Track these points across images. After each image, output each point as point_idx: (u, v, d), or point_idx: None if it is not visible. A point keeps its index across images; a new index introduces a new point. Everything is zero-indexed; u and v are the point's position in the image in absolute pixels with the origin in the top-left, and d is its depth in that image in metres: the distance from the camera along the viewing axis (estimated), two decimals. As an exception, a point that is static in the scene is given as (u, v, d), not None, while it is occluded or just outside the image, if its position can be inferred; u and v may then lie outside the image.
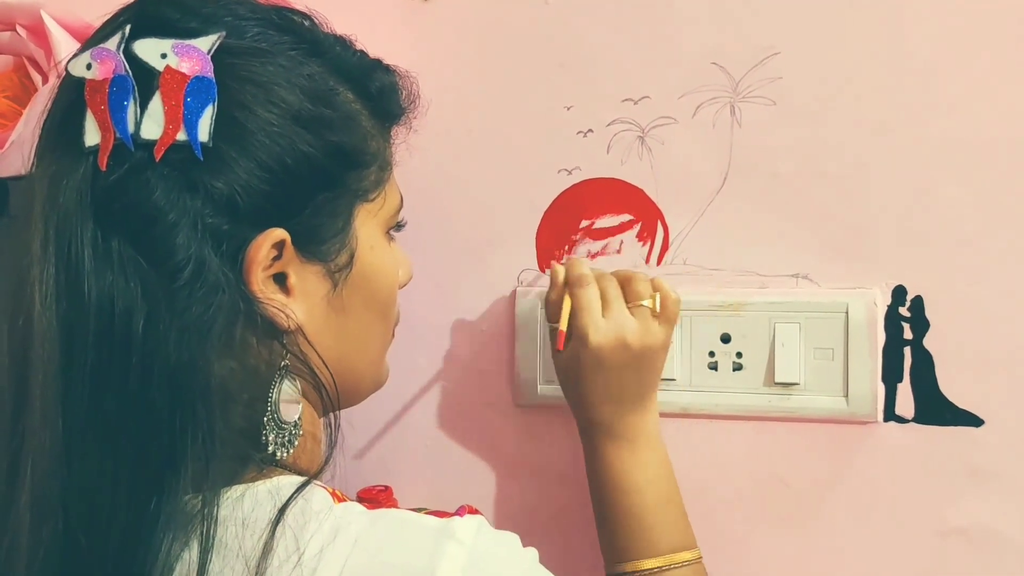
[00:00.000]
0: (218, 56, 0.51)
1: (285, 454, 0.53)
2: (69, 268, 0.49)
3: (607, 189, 0.79)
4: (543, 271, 0.81)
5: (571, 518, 0.80)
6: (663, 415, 0.77)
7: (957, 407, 0.71)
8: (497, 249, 0.82)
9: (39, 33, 0.78)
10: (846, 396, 0.72)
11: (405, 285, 0.65)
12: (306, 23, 0.57)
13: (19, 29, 0.79)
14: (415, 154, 0.75)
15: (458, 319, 0.83)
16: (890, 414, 0.72)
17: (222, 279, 0.50)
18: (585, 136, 0.79)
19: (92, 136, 0.50)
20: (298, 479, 0.51)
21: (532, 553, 0.53)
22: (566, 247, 0.80)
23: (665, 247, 0.77)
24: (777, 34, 0.74)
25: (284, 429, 0.53)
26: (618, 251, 0.79)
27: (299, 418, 0.54)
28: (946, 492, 0.71)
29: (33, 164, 0.53)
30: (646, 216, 0.78)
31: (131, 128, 0.50)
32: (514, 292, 0.81)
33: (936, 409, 0.71)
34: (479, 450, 0.83)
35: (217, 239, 0.50)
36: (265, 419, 0.52)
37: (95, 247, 0.49)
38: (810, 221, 0.74)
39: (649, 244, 0.78)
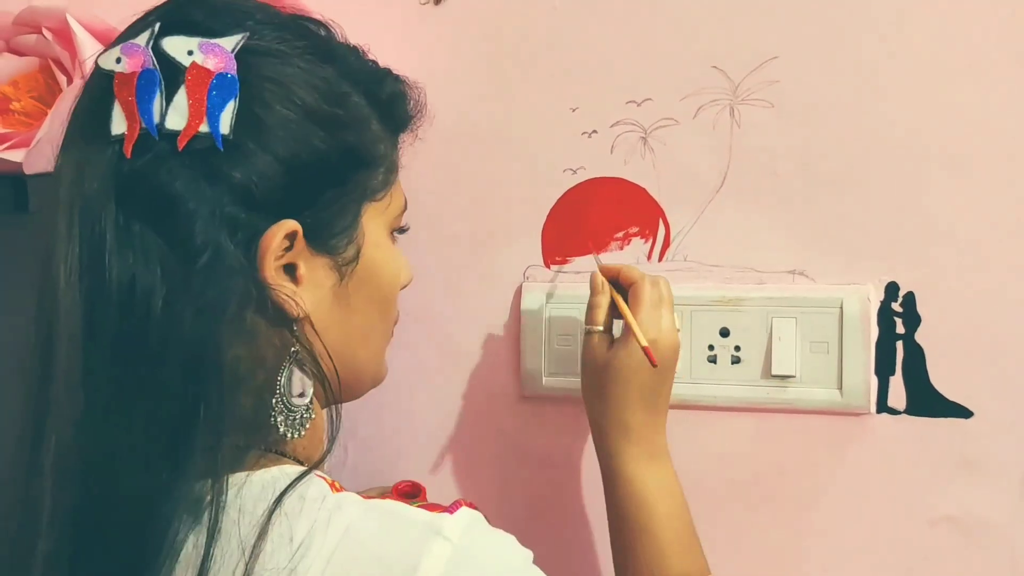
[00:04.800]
0: (241, 55, 0.54)
1: (296, 435, 0.55)
2: (92, 249, 0.51)
3: (611, 188, 0.81)
4: (548, 267, 0.83)
5: (575, 507, 0.83)
6: (663, 406, 0.80)
7: (947, 399, 0.73)
8: (504, 246, 0.84)
9: (64, 36, 0.81)
10: (840, 388, 0.75)
11: (405, 287, 0.67)
12: (322, 32, 0.61)
13: (45, 32, 0.82)
14: (425, 154, 0.78)
15: (465, 313, 0.86)
16: (883, 406, 0.75)
17: (237, 265, 0.52)
18: (590, 137, 0.82)
19: (119, 125, 0.53)
20: (297, 468, 0.53)
21: (525, 554, 0.53)
22: (570, 244, 0.83)
23: (666, 244, 0.80)
24: (775, 39, 0.76)
25: (294, 412, 0.55)
26: (621, 248, 0.81)
27: (310, 402, 0.56)
28: (936, 481, 0.73)
29: (60, 151, 0.56)
30: (648, 214, 0.81)
31: (156, 119, 0.52)
32: (520, 287, 0.84)
33: (927, 401, 0.74)
34: (486, 440, 0.86)
35: (233, 227, 0.53)
36: (274, 401, 0.54)
37: (118, 230, 0.51)
38: (806, 219, 0.76)
39: (651, 241, 0.81)
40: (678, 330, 0.72)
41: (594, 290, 0.74)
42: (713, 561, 0.78)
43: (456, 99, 0.84)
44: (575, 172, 0.82)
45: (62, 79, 0.82)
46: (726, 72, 0.78)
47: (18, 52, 0.85)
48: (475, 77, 0.85)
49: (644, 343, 0.68)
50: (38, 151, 0.78)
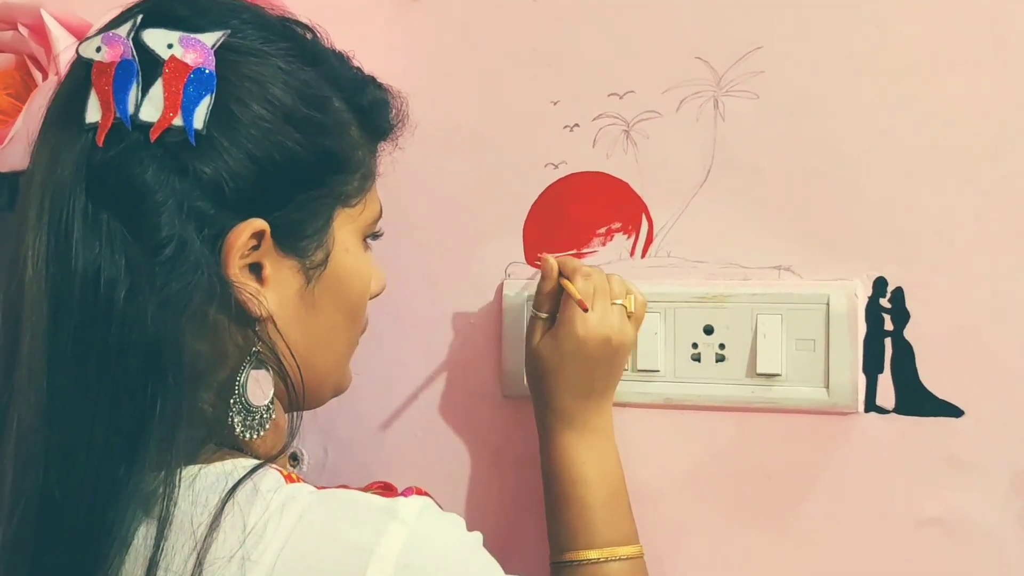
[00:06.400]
0: (221, 52, 0.54)
1: (255, 436, 0.55)
2: (60, 237, 0.51)
3: (593, 183, 0.80)
4: (530, 264, 0.82)
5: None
6: (646, 406, 0.78)
7: (937, 398, 0.71)
8: (485, 243, 0.83)
9: (40, 32, 0.80)
10: (827, 387, 0.73)
11: (377, 295, 0.67)
12: (307, 35, 0.61)
13: (20, 28, 0.81)
14: (403, 149, 0.76)
15: (447, 312, 0.84)
16: (871, 405, 0.73)
17: (201, 260, 0.52)
18: (571, 130, 0.80)
19: (93, 114, 0.53)
20: (251, 462, 0.53)
21: (475, 536, 0.55)
22: (552, 240, 0.81)
23: (649, 240, 0.78)
24: (759, 29, 0.74)
25: (253, 413, 0.55)
26: (603, 244, 0.80)
27: (270, 403, 0.56)
28: (925, 481, 0.71)
29: (37, 138, 0.56)
30: (631, 209, 0.79)
31: (131, 109, 0.52)
32: (502, 284, 0.82)
33: (916, 400, 0.71)
34: (467, 440, 0.85)
35: (200, 222, 0.53)
36: (232, 401, 0.54)
37: (86, 218, 0.51)
38: (792, 214, 0.74)
39: (634, 237, 0.79)
40: (628, 318, 0.73)
41: (544, 273, 0.74)
42: (696, 563, 0.77)
43: (435, 93, 0.83)
44: (557, 167, 0.81)
45: (38, 75, 0.82)
46: (709, 63, 0.76)
47: (-6, 49, 0.84)
48: (454, 71, 0.83)
49: (578, 297, 0.70)
50: (11, 148, 0.78)
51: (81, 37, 0.80)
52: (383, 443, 0.86)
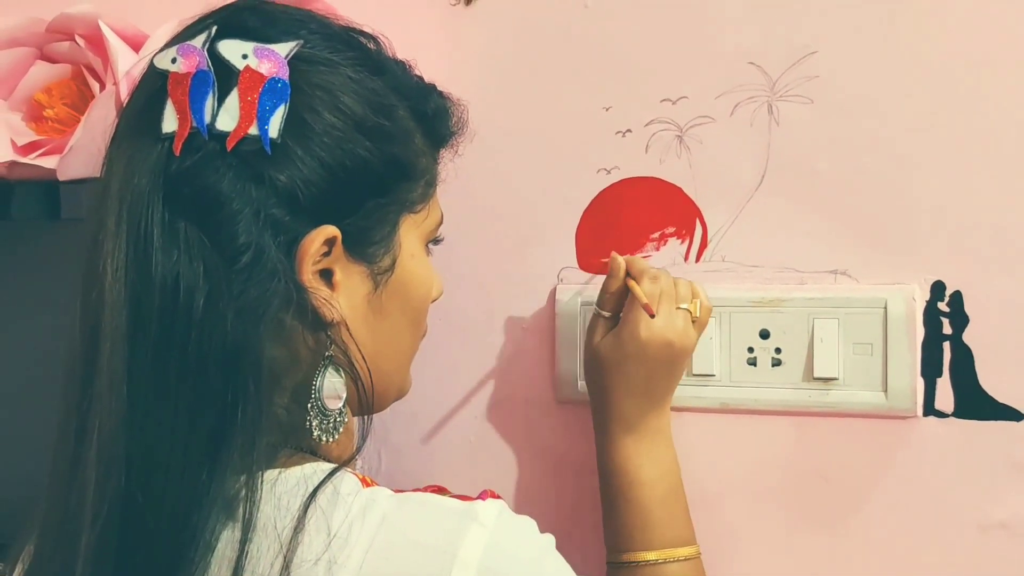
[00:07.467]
0: (293, 62, 0.55)
1: (330, 439, 0.56)
2: (139, 245, 0.52)
3: (646, 188, 0.80)
4: (583, 269, 0.82)
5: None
6: (702, 410, 0.78)
7: (997, 401, 0.71)
8: (538, 248, 0.83)
9: (96, 42, 0.81)
10: (885, 391, 0.73)
11: (435, 300, 0.68)
12: (371, 45, 0.61)
13: (77, 39, 0.83)
14: (462, 155, 0.77)
15: (500, 317, 0.85)
16: (930, 409, 0.72)
17: (278, 266, 0.53)
18: (624, 136, 0.80)
19: (170, 123, 0.53)
20: (329, 465, 0.54)
21: (549, 539, 0.55)
22: (605, 246, 0.81)
23: (704, 244, 0.79)
24: (814, 33, 0.74)
25: (328, 416, 0.56)
26: (657, 249, 0.80)
27: (344, 406, 0.56)
28: (987, 486, 0.71)
29: (109, 147, 0.57)
30: (685, 214, 0.79)
31: (207, 119, 0.53)
32: (554, 290, 0.83)
33: (976, 403, 0.71)
34: (520, 445, 0.85)
35: (276, 229, 0.53)
36: (309, 405, 0.55)
37: (163, 227, 0.52)
38: (848, 218, 0.74)
39: (688, 242, 0.79)
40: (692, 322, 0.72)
41: (611, 272, 0.74)
42: (754, 568, 0.76)
43: (487, 99, 0.83)
44: (609, 172, 0.81)
45: (95, 85, 0.83)
46: (763, 68, 0.76)
47: (51, 59, 0.86)
48: (506, 77, 0.84)
49: (645, 300, 0.70)
50: (71, 157, 0.79)
51: (138, 48, 0.81)
52: (436, 448, 0.87)
